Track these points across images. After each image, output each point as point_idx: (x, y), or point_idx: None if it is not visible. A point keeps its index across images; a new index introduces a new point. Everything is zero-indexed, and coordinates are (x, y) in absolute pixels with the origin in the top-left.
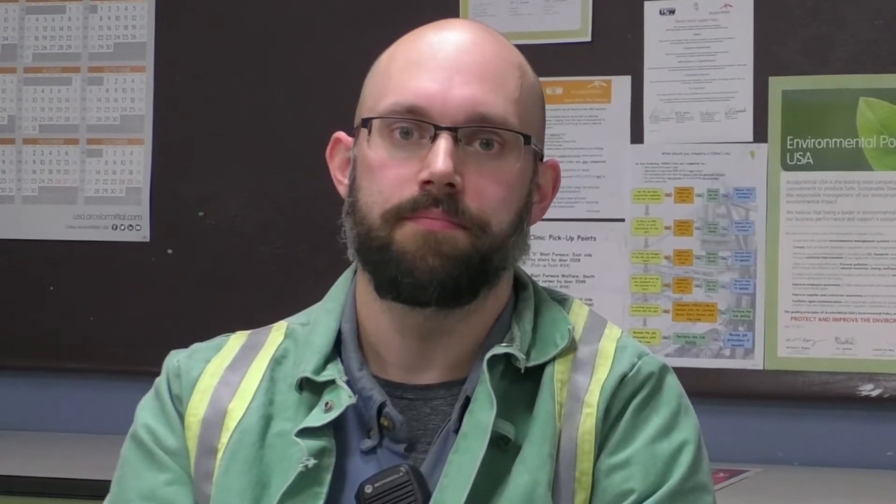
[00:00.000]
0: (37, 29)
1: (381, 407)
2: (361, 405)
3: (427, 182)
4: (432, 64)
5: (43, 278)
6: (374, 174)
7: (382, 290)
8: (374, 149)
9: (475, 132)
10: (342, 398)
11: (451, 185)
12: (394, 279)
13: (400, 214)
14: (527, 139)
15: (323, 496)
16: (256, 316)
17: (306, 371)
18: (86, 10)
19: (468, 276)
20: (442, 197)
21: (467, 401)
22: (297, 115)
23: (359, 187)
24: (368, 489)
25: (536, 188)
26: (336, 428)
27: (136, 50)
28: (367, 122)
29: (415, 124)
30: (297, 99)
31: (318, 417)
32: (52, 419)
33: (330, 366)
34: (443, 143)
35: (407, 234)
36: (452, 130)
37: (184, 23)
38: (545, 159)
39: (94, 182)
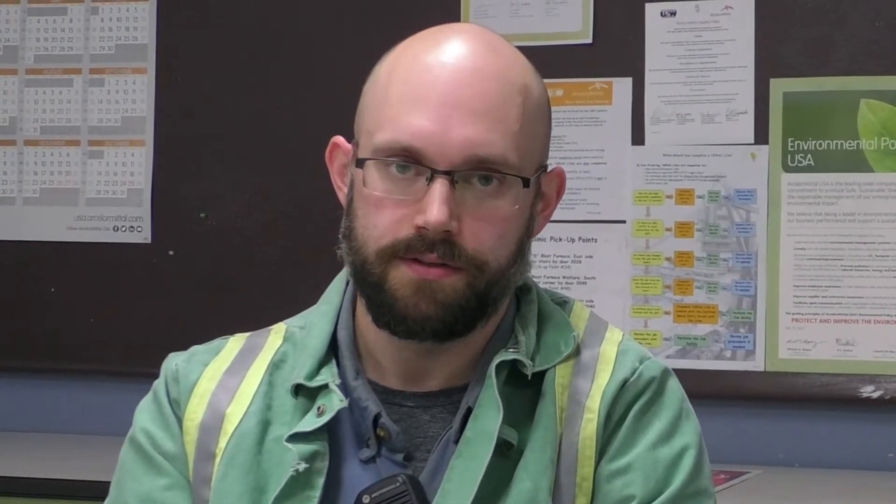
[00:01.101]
0: (38, 30)
1: (377, 417)
2: (357, 415)
3: (422, 227)
4: (430, 99)
5: (44, 279)
6: (370, 208)
7: (378, 324)
8: (371, 182)
9: (473, 173)
10: (334, 402)
11: (446, 230)
12: (387, 322)
13: (395, 254)
14: (525, 182)
15: (316, 500)
16: (258, 317)
17: (300, 377)
18: (87, 12)
19: (464, 317)
20: (437, 242)
21: (468, 411)
22: (299, 117)
23: (355, 214)
24: (366, 499)
25: (540, 198)
26: (332, 435)
27: (137, 51)
28: (361, 162)
29: (411, 166)
30: (299, 100)
31: (310, 422)
32: (52, 420)
33: (324, 370)
34: (438, 189)
35: (402, 278)
36: (449, 174)
37: (185, 24)
38: (550, 167)
39: (96, 183)
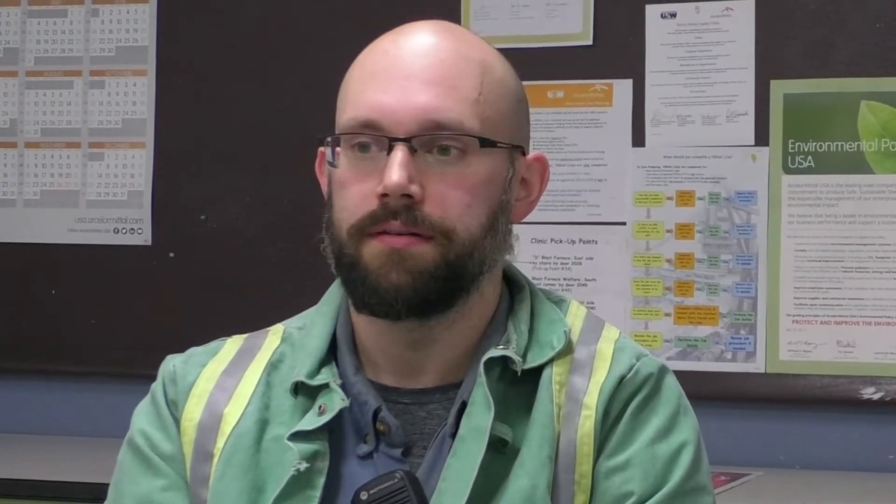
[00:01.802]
0: (38, 33)
1: (377, 412)
2: (357, 410)
3: (384, 195)
4: (386, 73)
5: (44, 282)
6: (341, 191)
7: (357, 306)
8: (340, 165)
9: (432, 139)
10: (335, 401)
11: (408, 196)
12: (362, 296)
13: (363, 230)
14: (483, 142)
15: (316, 499)
16: (258, 319)
17: (300, 375)
18: (87, 14)
19: (437, 288)
20: (399, 209)
21: (463, 405)
22: (299, 119)
23: (331, 203)
24: (364, 496)
25: (522, 184)
26: (331, 432)
27: (137, 54)
28: (327, 140)
29: (371, 138)
30: (299, 102)
31: (311, 421)
32: (52, 422)
33: (324, 369)
34: (398, 155)
35: (371, 252)
36: (406, 141)
37: (185, 26)
38: (530, 153)
39: (96, 185)
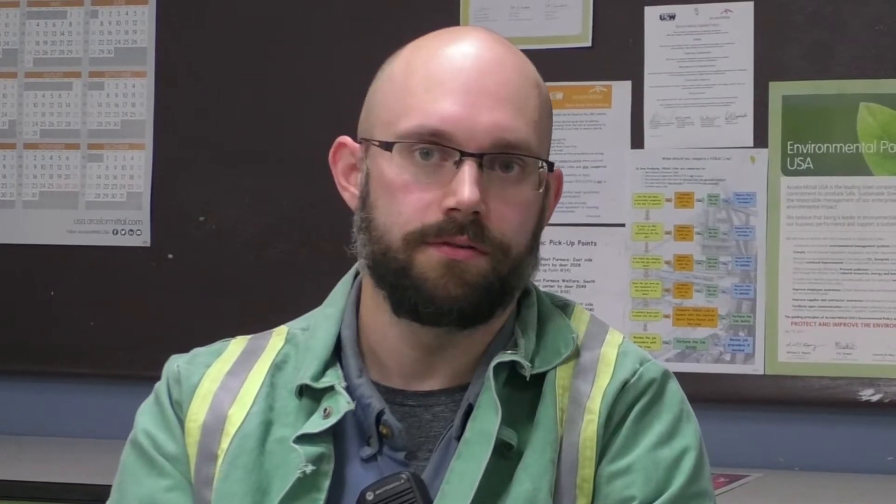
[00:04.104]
0: (38, 34)
1: (380, 415)
2: (360, 413)
3: (452, 209)
4: (455, 85)
5: (44, 283)
6: (394, 195)
7: (400, 312)
8: (394, 168)
9: (501, 158)
10: (340, 404)
11: (475, 212)
12: (414, 305)
13: (423, 239)
14: (550, 166)
15: (321, 502)
16: (257, 321)
17: (305, 377)
18: (87, 15)
19: (488, 300)
20: (467, 224)
21: (469, 408)
22: (298, 120)
23: (374, 205)
24: (370, 496)
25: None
26: (335, 434)
27: (136, 55)
28: (388, 145)
29: (439, 149)
30: (298, 103)
31: (316, 423)
32: (52, 424)
33: (329, 372)
34: (469, 171)
35: (430, 261)
36: (478, 157)
37: (185, 28)
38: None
39: (95, 187)
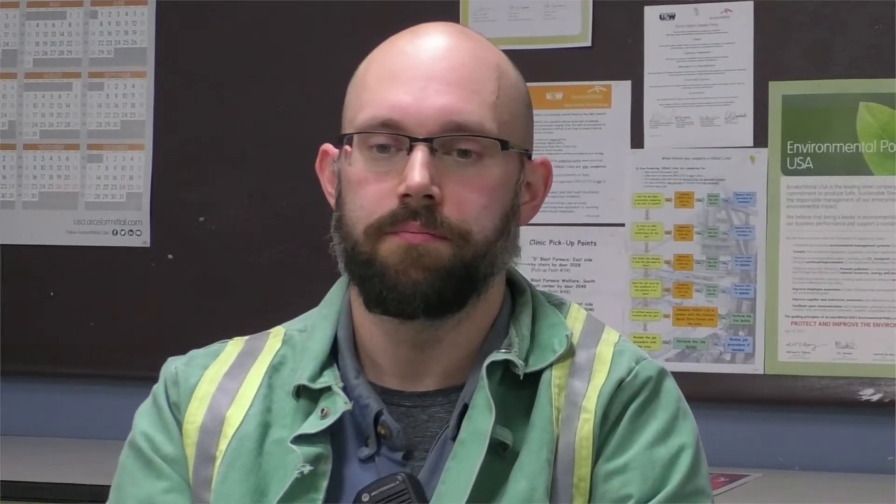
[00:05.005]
0: (37, 34)
1: (378, 415)
2: (358, 413)
3: (405, 195)
4: (406, 74)
5: (44, 284)
6: (356, 189)
7: (370, 305)
8: (355, 164)
9: (452, 141)
10: (338, 405)
11: (429, 196)
12: (379, 294)
13: (381, 229)
14: (504, 144)
15: (319, 502)
16: (257, 321)
17: (302, 378)
18: (86, 16)
19: (452, 287)
20: (420, 209)
21: (465, 408)
22: (298, 120)
23: (343, 202)
24: (365, 497)
25: (526, 188)
26: (333, 435)
27: (136, 55)
28: (345, 138)
29: (391, 138)
30: (298, 104)
31: (314, 424)
32: (52, 424)
33: (326, 372)
34: (419, 155)
35: (390, 248)
36: (427, 141)
37: (184, 28)
38: (534, 157)
39: (95, 187)
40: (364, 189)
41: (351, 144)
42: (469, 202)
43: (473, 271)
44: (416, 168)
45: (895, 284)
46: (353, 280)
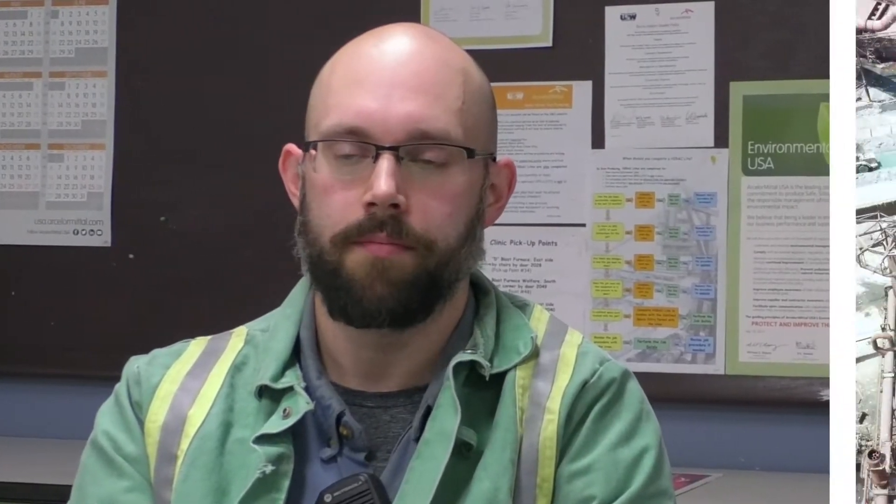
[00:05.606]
0: None
1: (340, 416)
2: (320, 413)
3: (371, 204)
4: (371, 80)
5: (4, 283)
6: (322, 196)
7: (334, 315)
8: (320, 170)
9: (418, 149)
10: (300, 405)
11: (394, 205)
12: (344, 306)
13: (348, 238)
14: (470, 153)
15: (281, 502)
16: (219, 321)
17: (264, 378)
18: (47, 16)
19: (418, 297)
20: (386, 219)
21: (428, 409)
22: (259, 120)
23: (308, 208)
24: (328, 498)
25: (490, 189)
26: (295, 435)
27: (97, 55)
28: (311, 144)
29: (357, 146)
30: (260, 103)
31: (275, 424)
32: (11, 424)
33: (288, 372)
34: (384, 164)
35: (356, 261)
36: (393, 149)
37: (145, 27)
38: (498, 158)
39: (56, 187)
40: (330, 197)
41: (316, 149)
42: (434, 211)
43: (438, 279)
44: (382, 177)
45: None
46: (318, 287)
